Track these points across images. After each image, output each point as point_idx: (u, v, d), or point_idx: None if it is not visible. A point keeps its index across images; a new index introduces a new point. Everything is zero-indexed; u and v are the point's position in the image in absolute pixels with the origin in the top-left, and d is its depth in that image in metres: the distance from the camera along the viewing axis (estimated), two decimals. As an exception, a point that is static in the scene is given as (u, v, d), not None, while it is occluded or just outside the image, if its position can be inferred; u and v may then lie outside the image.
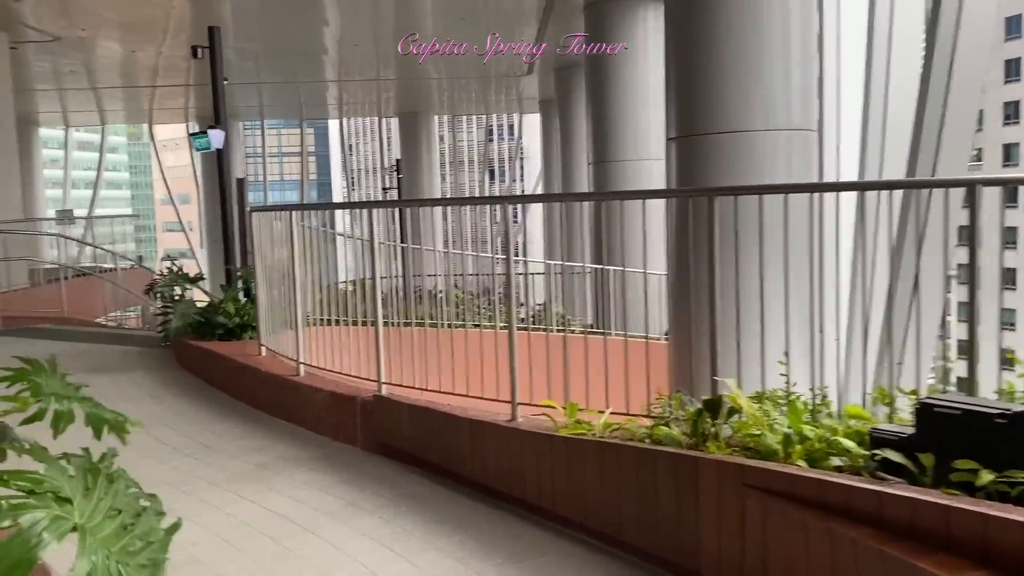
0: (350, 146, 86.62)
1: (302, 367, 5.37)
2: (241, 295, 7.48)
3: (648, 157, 15.04)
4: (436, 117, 31.86)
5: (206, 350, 6.70)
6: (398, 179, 14.31)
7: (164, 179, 33.54)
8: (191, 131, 9.24)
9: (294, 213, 5.44)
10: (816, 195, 3.73)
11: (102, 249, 13.48)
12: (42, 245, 14.66)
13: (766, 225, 3.62)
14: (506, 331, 3.93)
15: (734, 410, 3.38)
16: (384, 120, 34.29)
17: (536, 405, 3.98)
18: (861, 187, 3.82)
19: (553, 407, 3.84)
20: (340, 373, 5.03)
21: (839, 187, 3.95)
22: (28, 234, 12.47)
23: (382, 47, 21.02)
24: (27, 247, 13.68)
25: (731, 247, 3.88)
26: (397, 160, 14.30)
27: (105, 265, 14.04)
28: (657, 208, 4.24)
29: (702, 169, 7.92)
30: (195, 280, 7.75)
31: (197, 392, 6.38)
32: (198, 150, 9.35)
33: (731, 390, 3.34)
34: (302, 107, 30.38)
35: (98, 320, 11.73)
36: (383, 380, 4.59)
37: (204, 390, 6.44)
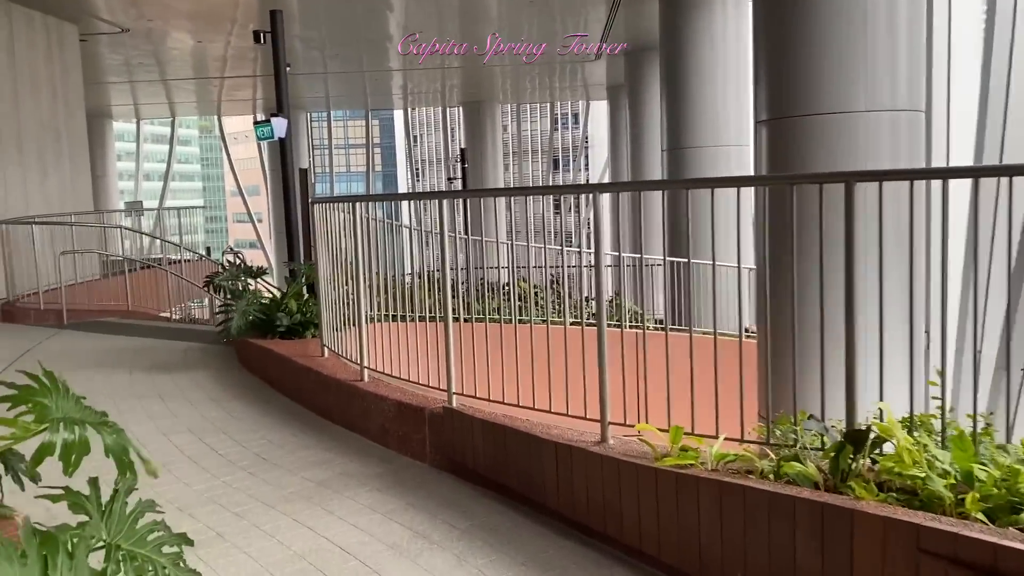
0: (415, 137, 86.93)
1: (366, 372, 4.94)
2: (304, 291, 7.11)
3: (727, 143, 14.33)
4: (500, 106, 31.40)
5: (267, 350, 6.34)
6: (463, 169, 13.92)
7: (232, 171, 33.88)
8: (255, 120, 8.85)
9: (358, 204, 5.01)
10: (934, 182, 3.12)
11: (164, 240, 13.37)
12: (114, 237, 14.70)
13: (877, 216, 3.08)
14: (578, 328, 3.42)
15: (877, 440, 2.81)
16: (448, 110, 33.99)
17: (627, 425, 3.46)
18: (978, 173, 3.10)
19: (649, 429, 3.32)
20: (407, 380, 4.58)
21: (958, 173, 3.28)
22: (78, 226, 12.41)
23: (447, 33, 20.61)
24: (100, 240, 13.69)
25: (838, 240, 3.36)
26: (462, 150, 13.89)
27: (173, 257, 13.98)
28: (744, 197, 3.72)
29: (796, 154, 7.30)
30: (258, 273, 7.42)
31: (257, 395, 6.03)
32: (260, 139, 9.07)
33: (855, 411, 2.77)
34: (367, 97, 30.26)
35: (163, 314, 11.60)
36: (453, 390, 4.12)
37: (264, 392, 6.09)
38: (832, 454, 2.77)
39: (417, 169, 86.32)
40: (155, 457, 4.78)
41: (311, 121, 37.81)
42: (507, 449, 3.61)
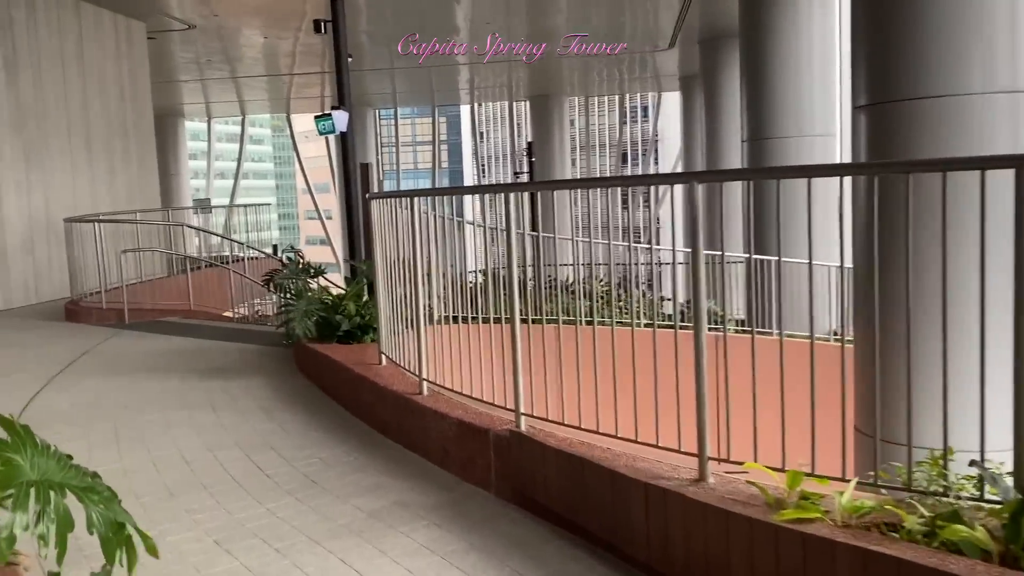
0: (481, 133, 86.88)
1: (425, 384, 4.47)
2: (364, 291, 6.71)
3: (812, 134, 13.50)
4: (568, 99, 30.80)
5: (323, 355, 5.94)
6: (530, 163, 13.43)
7: (301, 167, 34.07)
8: (315, 115, 8.50)
9: (417, 200, 4.54)
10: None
11: (227, 239, 13.21)
12: (181, 236, 14.66)
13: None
14: (658, 332, 2.87)
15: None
16: (516, 104, 33.54)
17: (728, 461, 2.91)
18: None
19: (758, 469, 2.76)
20: (469, 397, 4.10)
21: None
22: (140, 223, 12.30)
23: (515, 25, 20.12)
24: (166, 238, 13.64)
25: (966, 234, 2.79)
26: (529, 143, 13.40)
27: (240, 255, 13.85)
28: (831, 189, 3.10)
29: (900, 141, 6.57)
30: (318, 273, 7.05)
31: (312, 404, 5.63)
32: (321, 133, 8.74)
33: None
34: (434, 92, 30.02)
35: (226, 313, 11.40)
36: (521, 410, 3.61)
37: (320, 402, 5.68)
38: (1007, 515, 2.17)
39: (483, 165, 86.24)
40: (199, 477, 4.45)
41: (379, 118, 37.84)
42: (586, 484, 3.08)
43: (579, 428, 3.35)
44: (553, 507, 3.29)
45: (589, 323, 3.39)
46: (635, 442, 3.12)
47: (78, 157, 13.37)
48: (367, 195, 5.98)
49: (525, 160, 24.05)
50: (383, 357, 5.34)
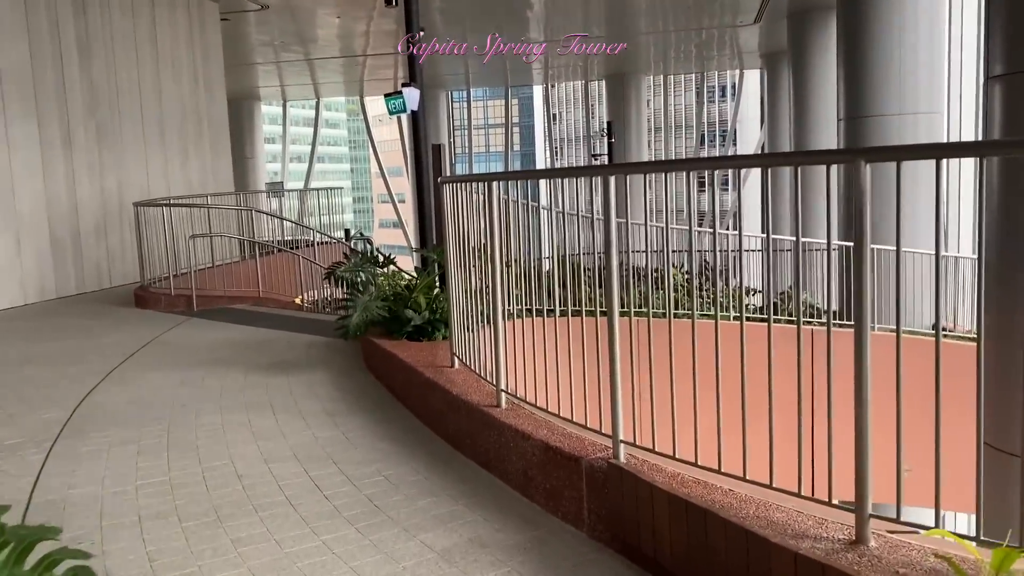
0: (554, 115, 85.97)
1: (503, 396, 3.91)
2: (436, 283, 6.19)
3: (916, 111, 12.47)
4: (646, 78, 29.80)
5: (390, 354, 5.45)
6: (609, 144, 12.75)
7: (374, 150, 33.96)
8: (385, 93, 8.01)
9: (495, 184, 3.97)
10: None
11: (298, 224, 12.91)
12: (253, 220, 14.47)
13: None
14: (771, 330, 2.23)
15: None
16: (590, 85, 32.68)
17: (897, 521, 2.27)
18: None
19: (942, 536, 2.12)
20: (556, 415, 3.52)
21: None
22: (209, 208, 12.06)
23: (591, 8, 19.38)
24: (237, 222, 13.43)
25: None
26: (608, 123, 12.70)
27: (311, 239, 13.57)
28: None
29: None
30: (386, 263, 6.57)
31: (378, 409, 5.15)
32: (392, 113, 8.26)
33: None
34: (507, 73, 29.43)
35: (296, 300, 11.10)
36: (620, 437, 3.02)
37: (387, 406, 5.19)
38: None
39: (556, 148, 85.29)
40: (251, 497, 3.76)
41: (451, 100, 37.47)
42: (708, 540, 2.48)
43: (694, 465, 2.74)
44: (664, 562, 2.69)
45: (681, 317, 2.77)
46: (769, 488, 2.50)
47: (151, 140, 13.25)
48: (439, 179, 5.45)
49: (600, 141, 23.20)
50: (455, 359, 4.81)
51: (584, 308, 3.43)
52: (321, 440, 4.55)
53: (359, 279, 6.23)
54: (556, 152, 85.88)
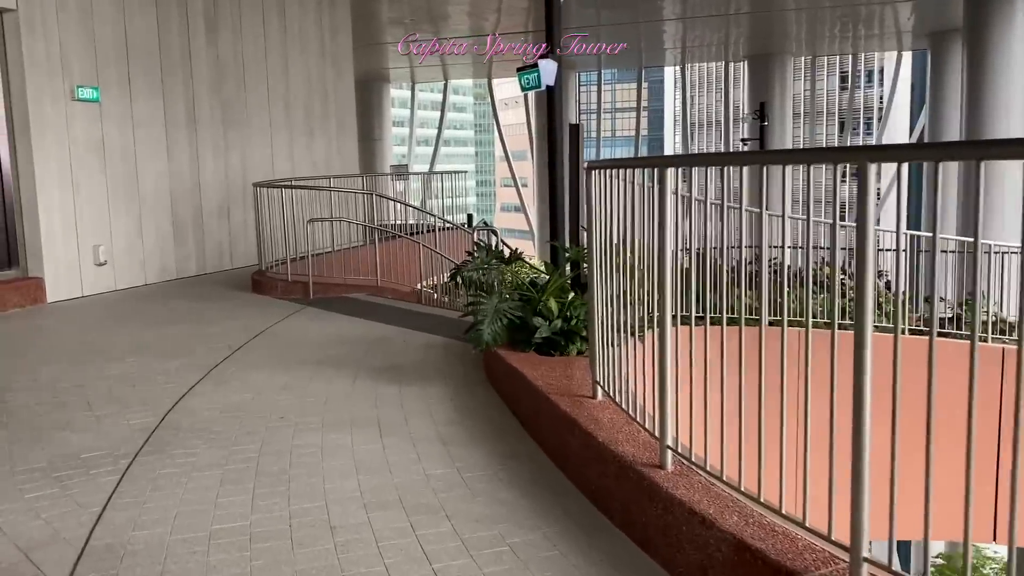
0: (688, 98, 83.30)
1: (669, 455, 2.97)
2: (569, 285, 5.30)
3: None
4: (792, 60, 27.79)
5: (517, 372, 4.60)
6: (761, 127, 11.46)
7: (499, 133, 33.36)
8: (518, 67, 7.12)
9: (670, 171, 3.02)
10: None
11: (421, 210, 12.27)
12: (376, 204, 14.00)
13: None
14: None
15: None
16: (729, 66, 30.84)
17: None
18: None
19: None
20: (754, 499, 2.54)
21: None
22: (327, 190, 11.56)
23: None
24: (360, 206, 12.96)
25: None
26: (760, 104, 11.44)
27: (437, 224, 12.96)
28: None
29: None
30: (512, 259, 5.73)
31: (502, 439, 4.30)
32: (525, 89, 7.39)
33: None
34: (641, 52, 28.08)
35: (416, 288, 10.46)
36: (864, 552, 2.03)
37: (513, 436, 4.34)
38: None
39: (688, 133, 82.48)
40: (344, 562, 2.91)
41: (580, 84, 36.41)
42: None
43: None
44: None
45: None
46: None
47: (276, 118, 12.92)
48: (586, 164, 4.53)
49: (746, 126, 21.58)
50: (597, 389, 3.89)
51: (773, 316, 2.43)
52: (433, 480, 3.74)
53: (487, 280, 5.40)
54: (688, 137, 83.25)
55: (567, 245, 6.39)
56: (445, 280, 6.88)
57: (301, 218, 9.79)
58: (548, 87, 7.06)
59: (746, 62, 27.40)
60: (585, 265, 5.11)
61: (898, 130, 56.98)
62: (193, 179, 11.27)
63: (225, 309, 8.58)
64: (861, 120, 68.57)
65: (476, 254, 5.60)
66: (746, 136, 17.75)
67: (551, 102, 7.07)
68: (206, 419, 4.72)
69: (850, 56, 29.11)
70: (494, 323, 5.10)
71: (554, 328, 4.94)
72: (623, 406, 3.54)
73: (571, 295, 5.08)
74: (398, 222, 13.09)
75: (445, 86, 32.75)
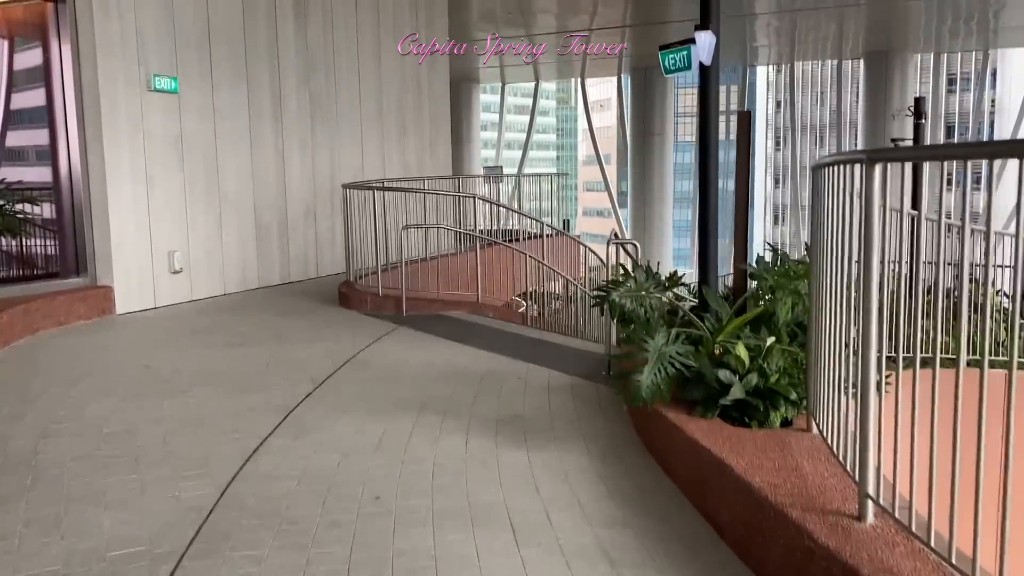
0: (778, 102, 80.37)
1: None
2: (764, 331, 3.95)
3: None
4: (913, 58, 25.57)
5: (696, 445, 3.29)
6: (916, 125, 9.94)
7: (592, 135, 31.97)
8: (661, 46, 5.77)
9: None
10: None
11: (520, 213, 11.03)
12: (471, 208, 12.88)
13: None
14: None
15: None
16: (843, 65, 28.72)
17: None
18: None
19: None
20: None
21: None
22: (425, 193, 10.43)
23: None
24: (454, 210, 11.85)
25: None
26: (916, 99, 9.95)
27: (532, 230, 11.76)
28: None
29: None
30: (672, 284, 4.42)
31: (699, 561, 2.99)
32: (669, 72, 6.07)
33: None
34: (747, 52, 26.29)
35: (519, 306, 9.24)
36: None
37: (712, 557, 3.02)
38: None
39: (780, 137, 79.46)
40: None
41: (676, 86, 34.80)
42: None
43: None
44: None
45: None
46: None
47: (367, 113, 11.91)
48: (813, 164, 3.20)
49: (898, 122, 19.51)
50: (868, 505, 2.53)
51: None
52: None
53: (644, 310, 4.10)
54: (779, 142, 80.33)
55: (755, 264, 5.03)
56: (591, 304, 5.57)
57: (393, 224, 8.68)
58: (702, 66, 5.71)
59: (863, 60, 25.35)
60: (799, 302, 3.78)
61: (1007, 134, 53.02)
62: (278, 179, 10.31)
63: (309, 326, 7.51)
64: (969, 125, 64.38)
65: (631, 276, 4.29)
66: (897, 137, 15.94)
67: (705, 84, 5.72)
68: (279, 494, 3.56)
69: (988, 52, 26.52)
70: (656, 372, 3.80)
71: (748, 386, 3.61)
72: (931, 543, 2.19)
73: (770, 340, 3.72)
74: (493, 227, 11.93)
75: (536, 87, 31.56)
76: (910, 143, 10.93)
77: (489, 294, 8.94)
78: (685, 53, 5.86)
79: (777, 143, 79.94)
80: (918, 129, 10.78)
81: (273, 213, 10.24)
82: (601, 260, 10.30)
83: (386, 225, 8.59)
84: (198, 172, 9.11)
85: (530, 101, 34.79)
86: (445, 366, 5.94)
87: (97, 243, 8.21)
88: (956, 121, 63.39)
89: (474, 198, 9.22)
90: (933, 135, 24.10)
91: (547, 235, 10.28)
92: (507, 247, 9.64)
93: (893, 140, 14.88)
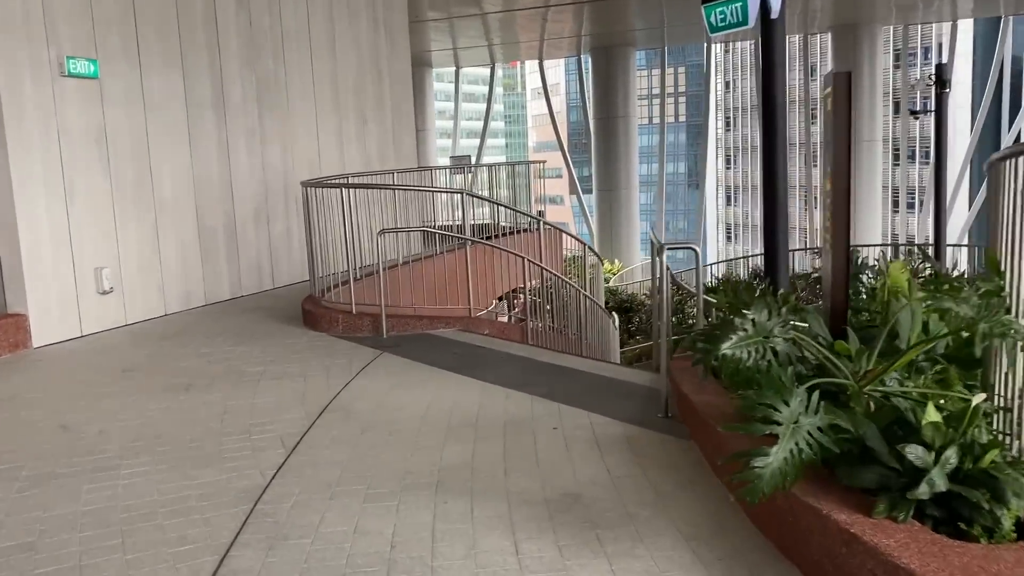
0: (727, 83, 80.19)
1: None
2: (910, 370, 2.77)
3: None
4: (882, 29, 24.86)
5: (898, 569, 2.10)
6: (938, 96, 8.88)
7: (552, 118, 30.72)
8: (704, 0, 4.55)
9: None
10: None
11: (511, 209, 9.80)
12: (437, 203, 11.57)
13: None
14: None
15: None
16: (799, 39, 27.92)
17: None
18: None
19: None
20: None
21: None
22: (388, 187, 9.17)
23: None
24: (421, 205, 10.56)
25: None
26: (938, 65, 8.92)
27: (506, 224, 10.51)
28: None
29: None
30: (794, 311, 3.21)
31: None
32: (715, 31, 4.85)
33: None
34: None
35: (516, 317, 8.00)
36: None
37: None
38: None
39: (728, 118, 79.18)
40: None
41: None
42: None
43: None
44: None
45: None
46: None
47: (323, 101, 10.52)
48: (1005, 151, 2.04)
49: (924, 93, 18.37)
50: None
51: None
52: None
53: (768, 362, 2.88)
54: (728, 123, 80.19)
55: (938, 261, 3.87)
56: (691, 356, 4.28)
57: (363, 226, 7.36)
58: (764, 22, 4.52)
59: (831, 33, 24.57)
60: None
61: (961, 107, 53.14)
62: (223, 177, 8.89)
63: (271, 357, 6.17)
64: (919, 100, 64.63)
65: (750, 317, 3.00)
66: (918, 109, 14.95)
67: (770, 44, 4.53)
68: (255, 676, 2.28)
69: (956, 22, 25.91)
70: (791, 453, 2.60)
71: (947, 466, 2.43)
72: None
73: (979, 397, 2.54)
74: (457, 223, 10.65)
75: (492, 69, 30.19)
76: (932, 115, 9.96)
77: (479, 302, 7.70)
78: (740, 5, 4.65)
79: (728, 124, 79.71)
80: (941, 100, 9.79)
81: (218, 217, 8.82)
82: (596, 255, 9.10)
83: (356, 228, 7.26)
84: (127, 173, 7.67)
85: (478, 88, 33.45)
86: (452, 412, 4.68)
87: (5, 263, 6.75)
88: (903, 96, 63.45)
89: (462, 194, 7.93)
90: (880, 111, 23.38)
91: (524, 230, 9.08)
92: (492, 247, 8.38)
93: (912, 112, 13.93)
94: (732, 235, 78.83)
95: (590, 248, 8.56)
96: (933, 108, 9.79)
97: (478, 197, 9.07)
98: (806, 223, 35.36)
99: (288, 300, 8.58)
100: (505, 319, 8.01)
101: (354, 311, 6.95)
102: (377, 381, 5.42)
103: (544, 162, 12.85)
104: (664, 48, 28.22)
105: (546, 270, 7.85)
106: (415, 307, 7.23)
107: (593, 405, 4.63)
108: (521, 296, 13.08)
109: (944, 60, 25.01)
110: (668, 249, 4.16)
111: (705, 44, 28.67)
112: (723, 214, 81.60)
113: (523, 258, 7.72)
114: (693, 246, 4.21)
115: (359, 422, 4.55)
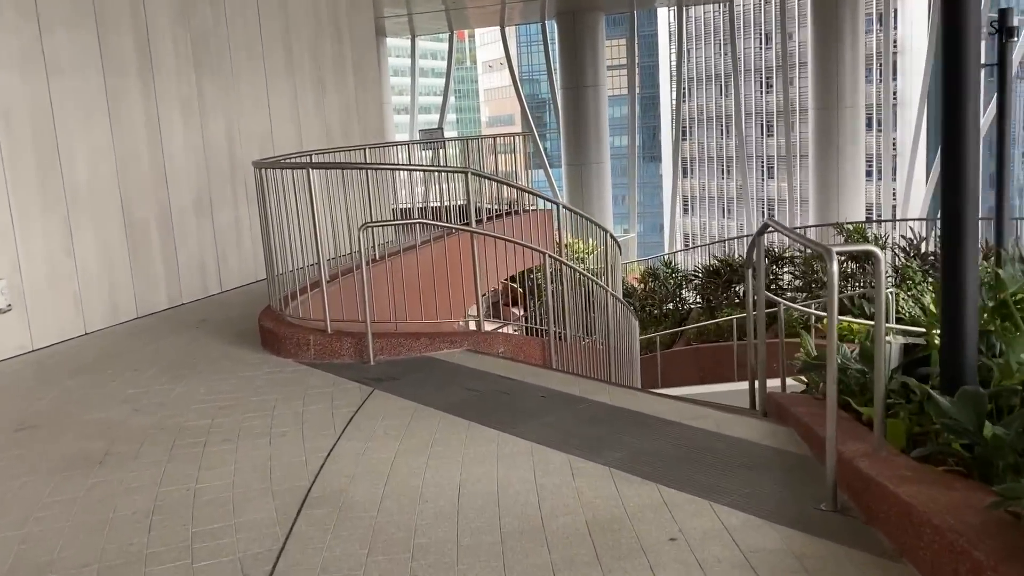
0: (688, 50, 78.85)
1: None
2: None
3: None
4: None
5: None
6: (1001, 46, 7.64)
7: (517, 89, 28.93)
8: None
9: None
10: None
11: (519, 188, 8.24)
12: (388, 182, 9.94)
13: None
14: None
15: None
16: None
17: None
18: None
19: None
20: None
21: None
22: (360, 167, 7.58)
23: None
24: (394, 189, 8.93)
25: None
26: (1001, 11, 7.76)
27: (492, 207, 8.95)
28: None
29: None
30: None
31: None
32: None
33: None
34: None
35: (473, 317, 6.47)
36: None
37: None
38: None
39: (685, 88, 78.00)
40: None
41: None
42: None
43: None
44: None
45: None
46: None
47: (274, 66, 8.80)
48: None
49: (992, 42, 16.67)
50: None
51: None
52: None
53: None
54: (685, 94, 79.05)
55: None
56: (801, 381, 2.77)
57: (333, 217, 5.76)
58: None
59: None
60: None
61: (916, 73, 52.61)
62: (154, 158, 7.17)
63: (222, 401, 4.56)
64: (875, 66, 64.18)
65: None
66: (986, 61, 13.55)
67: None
68: None
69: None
70: None
71: None
72: None
73: None
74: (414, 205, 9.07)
75: (451, 37, 28.35)
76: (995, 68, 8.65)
77: (455, 306, 6.17)
78: None
79: (685, 95, 78.64)
80: (1004, 50, 8.50)
81: (150, 207, 7.11)
82: (615, 239, 7.65)
83: (327, 219, 5.64)
84: (27, 156, 5.93)
85: (428, 62, 31.57)
86: (501, 504, 3.15)
87: None
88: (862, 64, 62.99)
89: (466, 172, 6.36)
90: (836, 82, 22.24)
91: (514, 212, 7.57)
92: (487, 235, 6.81)
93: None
94: (688, 207, 78.18)
95: (608, 232, 7.08)
96: (998, 61, 8.48)
97: (485, 176, 7.45)
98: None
99: (240, 309, 6.95)
100: (509, 329, 6.51)
101: (329, 329, 5.35)
102: (375, 442, 3.86)
103: (527, 134, 11.26)
104: (633, 12, 26.66)
105: (564, 263, 6.32)
106: (407, 320, 5.66)
107: (710, 486, 3.15)
108: (508, 296, 11.51)
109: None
110: (837, 254, 2.67)
111: (668, 9, 27.27)
112: (680, 186, 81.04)
113: (544, 253, 6.15)
114: (874, 249, 2.74)
115: (359, 529, 3.00)
